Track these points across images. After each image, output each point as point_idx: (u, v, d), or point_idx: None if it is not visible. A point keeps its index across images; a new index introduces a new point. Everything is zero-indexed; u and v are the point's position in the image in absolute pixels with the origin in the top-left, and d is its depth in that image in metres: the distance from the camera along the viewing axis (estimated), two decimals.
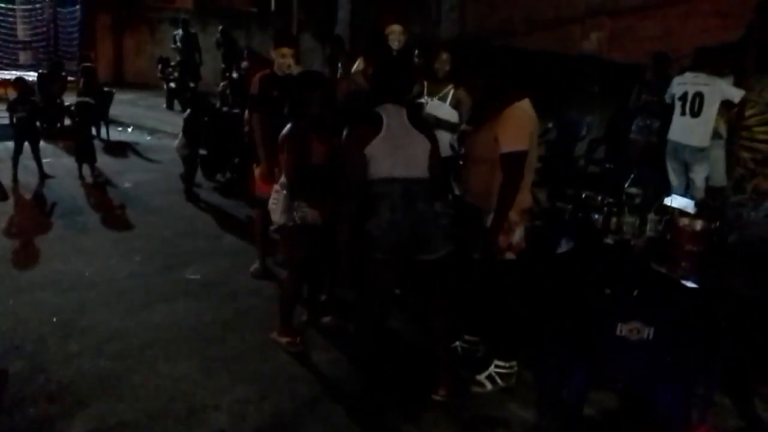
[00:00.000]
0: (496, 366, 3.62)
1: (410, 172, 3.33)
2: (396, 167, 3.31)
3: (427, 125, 3.56)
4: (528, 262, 3.57)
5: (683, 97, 6.14)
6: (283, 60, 4.73)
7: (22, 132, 7.77)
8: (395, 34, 4.97)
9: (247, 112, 6.82)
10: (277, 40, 4.97)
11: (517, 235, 3.46)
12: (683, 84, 6.20)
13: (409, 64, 3.88)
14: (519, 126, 3.37)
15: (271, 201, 4.06)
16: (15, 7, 16.00)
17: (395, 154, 3.32)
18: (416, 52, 6.91)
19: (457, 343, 3.93)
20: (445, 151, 4.40)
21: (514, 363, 3.62)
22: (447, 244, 3.41)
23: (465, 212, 3.58)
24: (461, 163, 3.73)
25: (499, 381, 3.61)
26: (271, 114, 4.64)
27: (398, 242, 3.31)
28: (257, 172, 4.83)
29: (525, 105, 3.43)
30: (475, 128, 3.58)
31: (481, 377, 3.63)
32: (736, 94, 6.04)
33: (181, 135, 7.45)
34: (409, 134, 3.37)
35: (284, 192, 3.89)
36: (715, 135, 6.23)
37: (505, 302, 3.56)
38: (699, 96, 6.04)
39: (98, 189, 7.60)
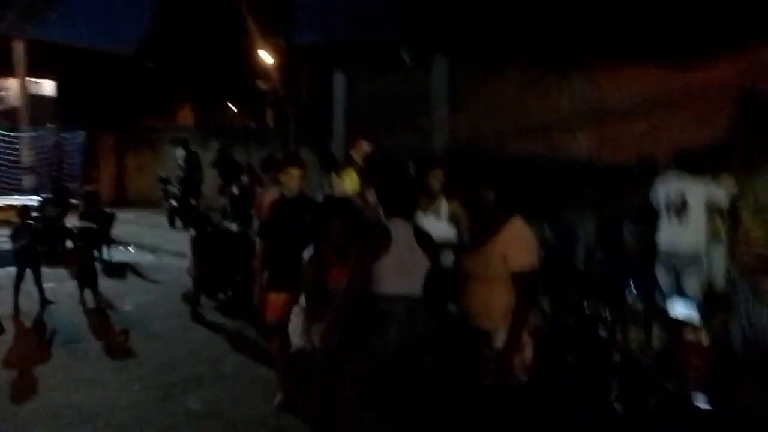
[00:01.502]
0: None
1: (412, 290, 3.38)
2: (401, 283, 3.36)
3: (431, 242, 3.57)
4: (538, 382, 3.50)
5: (667, 199, 6.12)
6: (292, 181, 4.80)
7: (24, 259, 7.82)
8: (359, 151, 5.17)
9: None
10: (284, 160, 5.05)
11: (528, 354, 3.41)
12: (666, 185, 6.16)
13: (412, 179, 3.96)
14: (527, 242, 3.39)
15: (291, 325, 4.13)
16: (20, 134, 16.51)
17: (401, 270, 3.37)
18: (410, 164, 7.10)
19: None
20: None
21: None
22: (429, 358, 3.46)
23: (469, 336, 3.51)
24: (458, 283, 3.63)
25: None
26: (281, 240, 4.70)
27: (401, 360, 3.33)
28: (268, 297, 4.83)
29: (521, 221, 3.47)
30: (474, 247, 3.55)
31: None
32: (721, 195, 6.02)
33: (191, 256, 7.52)
34: (414, 252, 3.42)
35: (302, 315, 3.92)
36: (716, 237, 6.19)
37: (517, 425, 3.46)
38: (682, 199, 6.03)
39: (99, 314, 7.56)
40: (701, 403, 3.01)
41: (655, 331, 3.65)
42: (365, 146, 5.66)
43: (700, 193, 5.97)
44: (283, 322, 4.80)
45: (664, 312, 3.86)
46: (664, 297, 5.02)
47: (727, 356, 3.47)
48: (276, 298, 4.78)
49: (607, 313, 3.93)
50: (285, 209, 4.80)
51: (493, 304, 3.39)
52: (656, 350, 3.58)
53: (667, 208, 6.07)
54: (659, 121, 8.56)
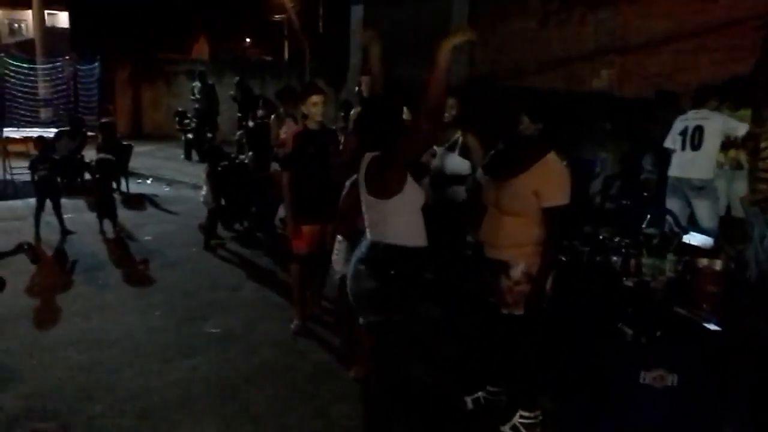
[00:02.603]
0: (521, 416, 3.56)
1: (376, 236, 3.16)
2: (364, 223, 3.23)
3: (388, 182, 3.06)
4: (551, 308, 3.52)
5: (683, 132, 6.16)
6: (315, 108, 4.76)
7: (43, 190, 7.91)
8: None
9: (274, 165, 7.01)
10: (304, 91, 4.98)
11: (548, 285, 3.43)
12: (684, 120, 6.23)
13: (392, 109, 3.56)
14: (562, 179, 3.34)
15: (334, 252, 4.14)
16: (37, 66, 16.46)
17: (362, 211, 3.24)
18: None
19: (480, 394, 3.89)
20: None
21: (538, 413, 3.56)
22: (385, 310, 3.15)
23: (487, 265, 3.51)
24: (479, 213, 3.60)
25: (523, 431, 3.55)
26: (306, 171, 4.71)
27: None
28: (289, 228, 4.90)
29: (555, 156, 3.40)
30: (503, 179, 3.45)
31: (506, 428, 3.58)
32: (738, 127, 6.01)
33: (206, 188, 7.62)
34: (372, 197, 3.14)
35: (345, 242, 3.92)
36: (738, 166, 6.23)
37: (532, 352, 3.51)
38: (699, 129, 6.05)
39: (119, 244, 7.69)
40: (711, 326, 3.03)
41: (669, 257, 3.64)
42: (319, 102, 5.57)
43: (717, 125, 5.98)
44: (309, 252, 4.88)
45: (679, 239, 3.85)
46: (682, 228, 5.02)
47: (740, 282, 3.48)
48: (304, 230, 4.84)
49: (622, 242, 3.93)
50: (308, 140, 4.78)
51: (516, 236, 3.37)
52: (669, 276, 3.58)
53: (684, 138, 6.09)
54: (683, 56, 8.36)
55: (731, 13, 7.80)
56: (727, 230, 5.75)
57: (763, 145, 6.37)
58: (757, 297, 3.53)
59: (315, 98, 4.77)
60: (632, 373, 2.99)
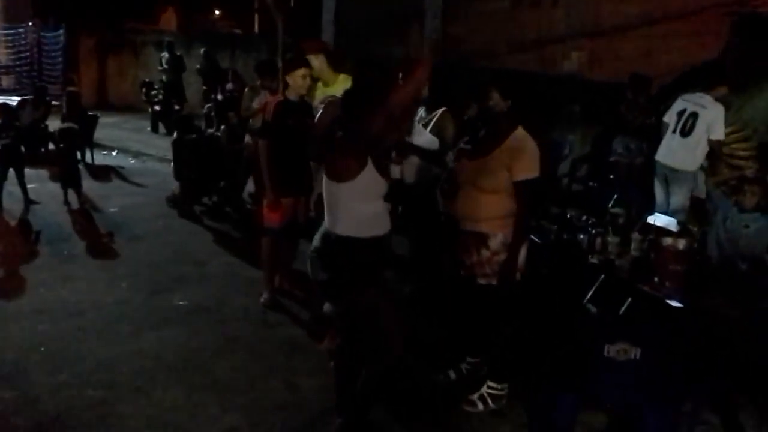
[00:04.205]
0: (488, 387, 3.64)
1: (330, 224, 3.18)
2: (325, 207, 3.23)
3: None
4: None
5: (681, 113, 6.07)
6: (303, 81, 4.78)
7: (6, 158, 7.71)
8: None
9: (248, 137, 6.97)
10: (294, 62, 4.95)
11: (522, 256, 3.51)
12: (686, 101, 6.12)
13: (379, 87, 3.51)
14: (532, 154, 3.42)
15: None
16: None
17: (324, 191, 3.25)
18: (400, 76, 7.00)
19: (462, 365, 3.95)
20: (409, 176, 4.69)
21: (505, 385, 3.65)
22: None
23: (464, 238, 3.56)
24: (452, 189, 3.61)
25: (490, 402, 3.63)
26: (283, 142, 4.69)
27: None
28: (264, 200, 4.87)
29: (524, 131, 3.47)
30: (476, 155, 3.53)
31: (473, 397, 3.66)
32: (718, 133, 5.98)
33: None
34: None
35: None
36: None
37: (502, 324, 3.58)
38: (693, 116, 6.00)
39: (84, 214, 7.56)
40: (673, 302, 3.13)
41: (634, 236, 3.74)
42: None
43: (709, 119, 5.96)
44: (281, 226, 4.87)
45: (644, 220, 3.95)
46: (649, 209, 5.12)
47: (701, 260, 3.60)
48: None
49: (589, 221, 4.02)
50: (288, 111, 4.76)
51: (494, 209, 3.43)
52: (634, 254, 3.67)
53: (678, 120, 6.06)
54: (652, 41, 8.47)
55: (698, 1, 7.94)
56: (693, 211, 5.85)
57: (727, 130, 6.51)
58: (717, 276, 3.64)
59: (304, 71, 4.79)
60: (596, 347, 3.06)
